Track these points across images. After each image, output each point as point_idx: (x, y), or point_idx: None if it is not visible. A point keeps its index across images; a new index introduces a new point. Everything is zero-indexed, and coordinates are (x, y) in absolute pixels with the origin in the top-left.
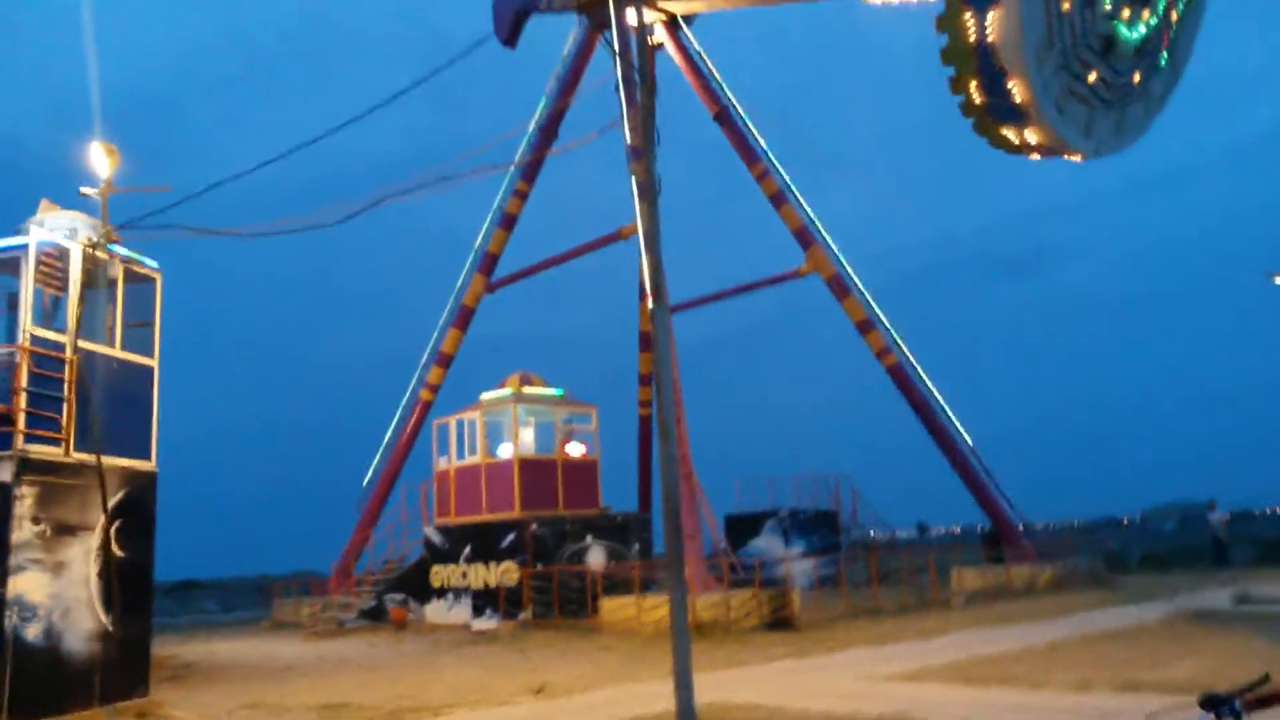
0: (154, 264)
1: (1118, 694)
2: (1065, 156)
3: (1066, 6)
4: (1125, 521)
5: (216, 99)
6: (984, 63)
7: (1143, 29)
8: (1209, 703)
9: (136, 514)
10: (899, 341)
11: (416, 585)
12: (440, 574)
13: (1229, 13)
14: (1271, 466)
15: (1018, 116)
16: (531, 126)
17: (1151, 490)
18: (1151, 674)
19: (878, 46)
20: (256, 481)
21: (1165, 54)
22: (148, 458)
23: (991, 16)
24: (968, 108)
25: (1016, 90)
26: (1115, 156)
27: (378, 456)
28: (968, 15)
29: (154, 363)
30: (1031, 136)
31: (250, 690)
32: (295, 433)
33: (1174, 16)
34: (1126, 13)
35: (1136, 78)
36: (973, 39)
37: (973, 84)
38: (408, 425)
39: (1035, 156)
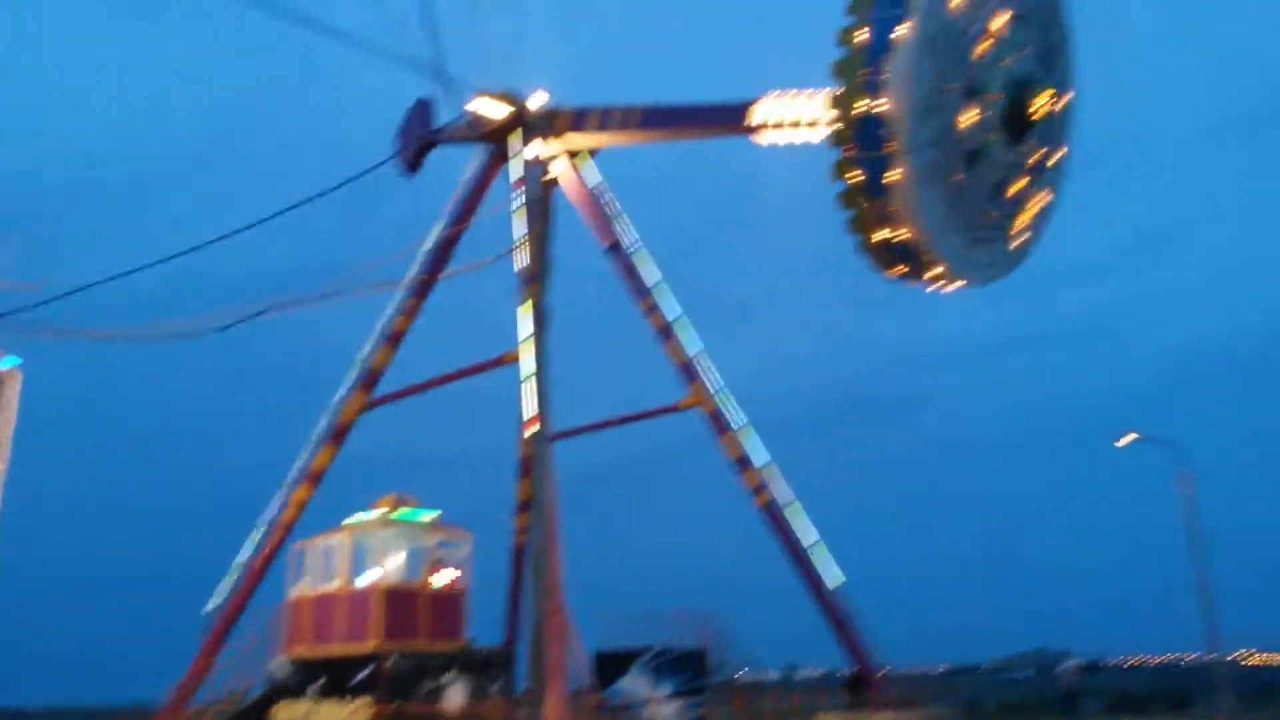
0: (15, 361)
1: None
2: (920, 270)
3: (947, 105)
4: (983, 668)
5: (113, 197)
6: (876, 199)
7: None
8: None
9: None
10: (772, 480)
11: None
12: (285, 710)
13: (1087, 196)
14: (1123, 619)
15: (908, 255)
16: (427, 246)
17: (1011, 638)
18: None
19: (771, 194)
20: (98, 603)
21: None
22: None
23: (886, 165)
24: (865, 245)
25: (907, 228)
26: (987, 317)
27: (229, 578)
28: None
29: (1, 466)
30: (896, 226)
31: None
32: (143, 553)
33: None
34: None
35: (1016, 222)
36: (863, 179)
37: (871, 222)
38: (266, 546)
39: (890, 270)
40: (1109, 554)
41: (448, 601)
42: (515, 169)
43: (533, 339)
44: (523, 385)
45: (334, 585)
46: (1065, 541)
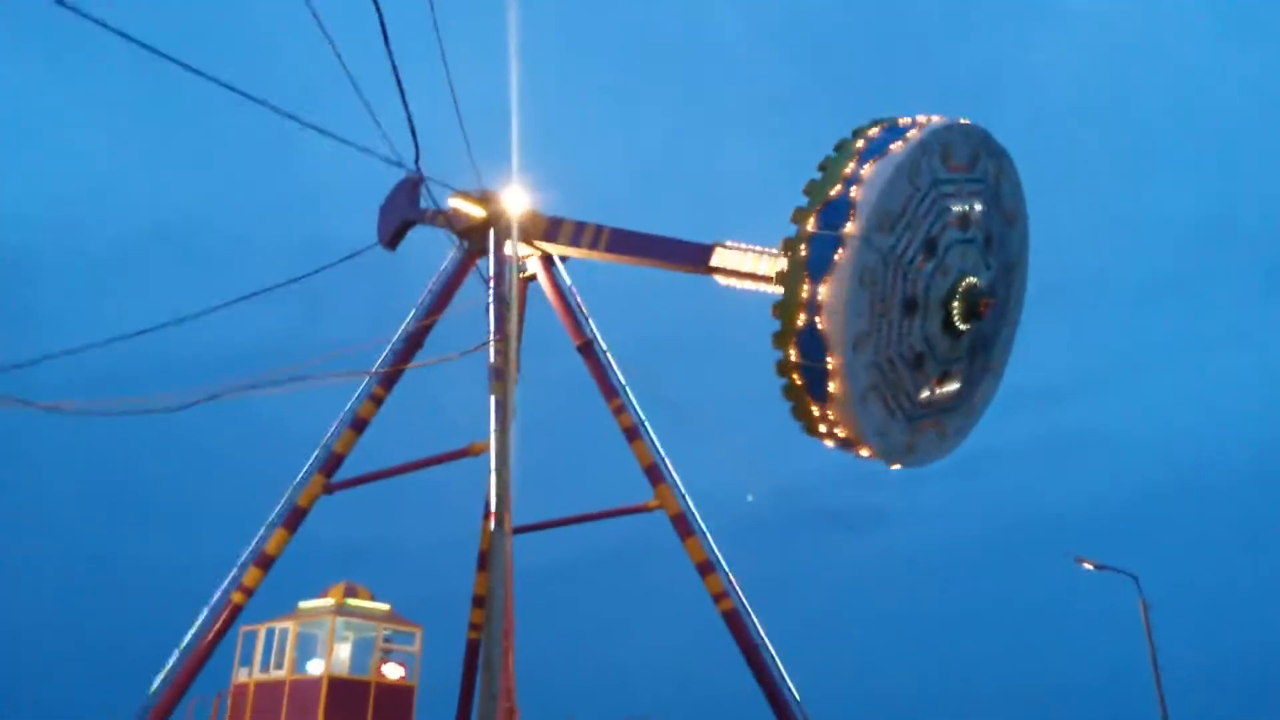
0: None
1: None
2: (858, 452)
3: (889, 314)
4: None
5: (74, 270)
6: (817, 403)
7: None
8: None
9: None
10: (735, 586)
11: None
12: None
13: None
14: None
15: (847, 443)
16: (398, 335)
17: None
18: None
19: (737, 318)
20: (37, 681)
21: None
22: None
23: (820, 310)
24: (788, 390)
25: (845, 430)
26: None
27: (170, 662)
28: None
29: None
30: (835, 424)
31: None
32: (86, 632)
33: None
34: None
35: (936, 399)
36: (803, 384)
37: (794, 372)
38: (211, 630)
39: (830, 445)
40: (1070, 673)
41: (397, 695)
42: (488, 264)
43: (499, 432)
44: (488, 477)
45: (280, 673)
46: (1026, 659)
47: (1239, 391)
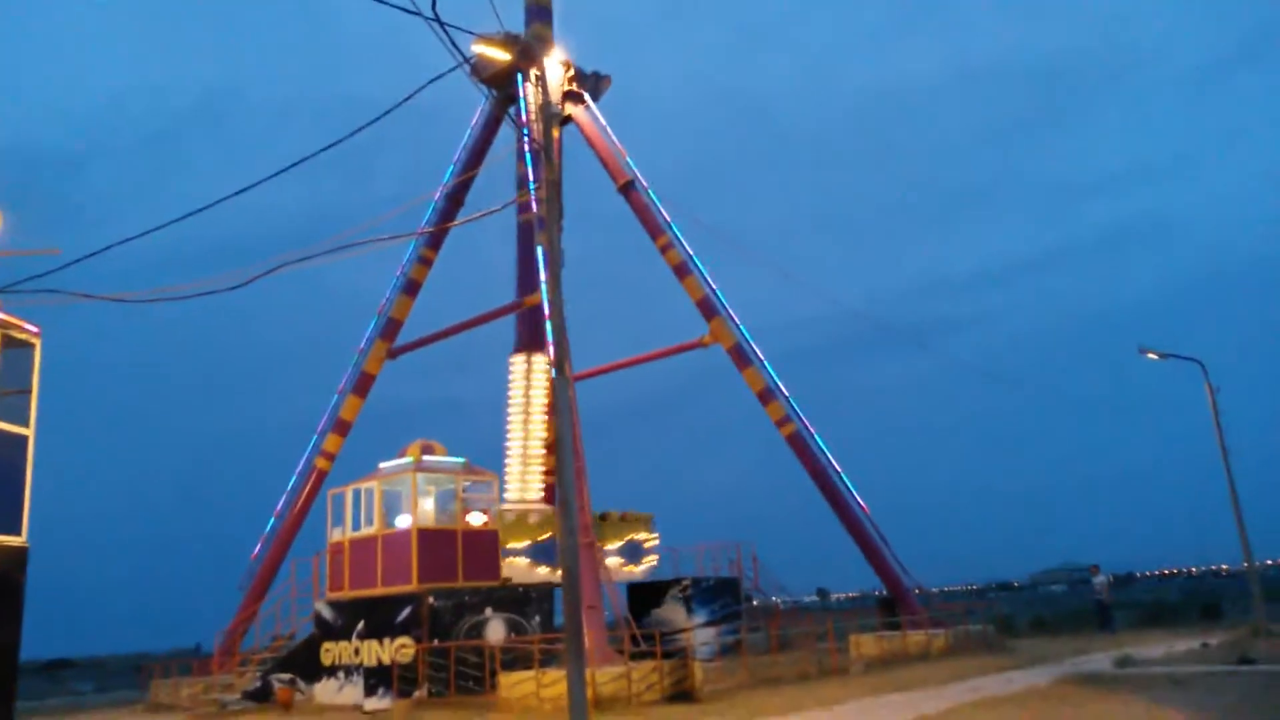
0: (34, 328)
1: None
2: None
3: None
4: (1015, 585)
5: (121, 162)
6: None
7: None
8: None
9: (3, 592)
10: (798, 411)
11: (305, 663)
12: (331, 651)
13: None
14: (1150, 532)
15: None
16: (438, 195)
17: (1040, 555)
18: None
19: (783, 132)
20: (137, 556)
21: None
22: (18, 532)
23: None
24: None
25: None
26: (999, 239)
27: (268, 528)
28: None
29: (29, 432)
30: None
31: None
32: (180, 505)
33: None
34: None
35: None
36: None
37: None
38: (301, 496)
39: None
40: (1137, 469)
41: (482, 541)
42: (523, 111)
43: (549, 282)
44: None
45: (371, 530)
46: (1094, 458)
47: None
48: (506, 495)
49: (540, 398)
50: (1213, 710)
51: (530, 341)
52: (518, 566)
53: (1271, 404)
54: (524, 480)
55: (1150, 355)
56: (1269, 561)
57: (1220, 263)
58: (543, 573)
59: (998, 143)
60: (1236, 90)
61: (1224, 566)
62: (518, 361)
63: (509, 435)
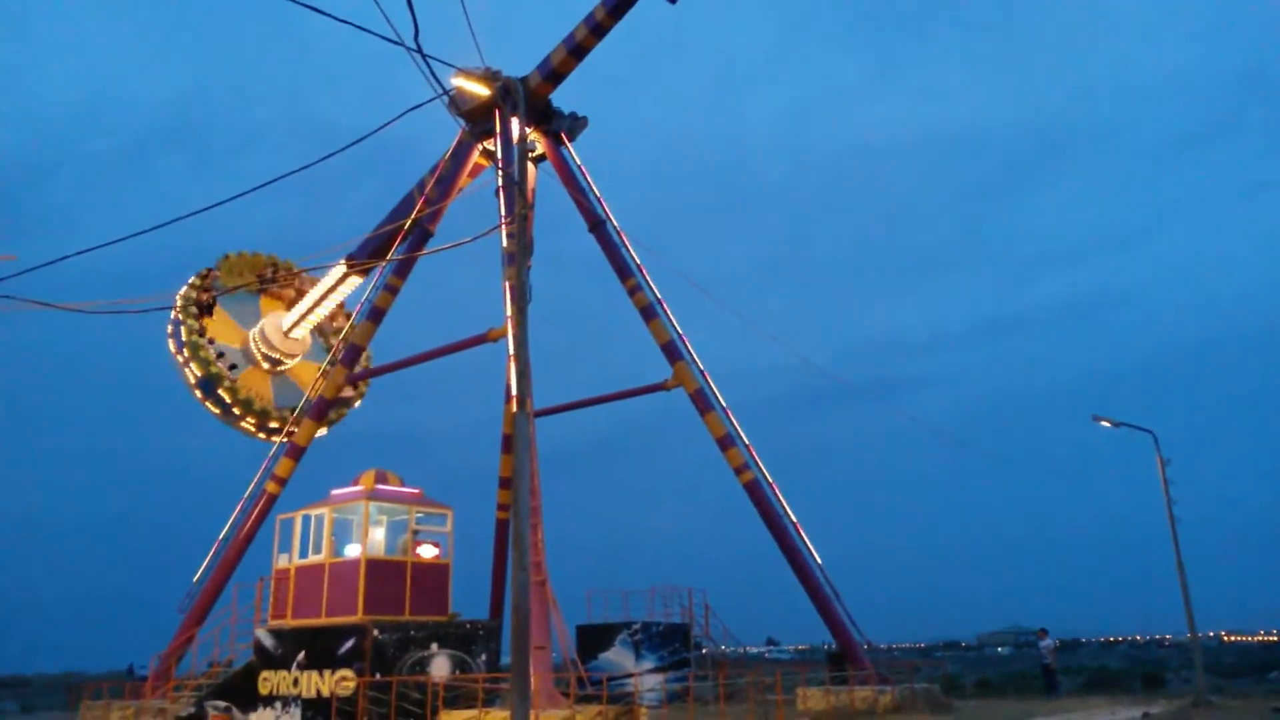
0: None
1: None
2: None
3: None
4: (963, 645)
5: (87, 173)
6: None
7: None
8: None
9: None
10: (756, 459)
11: (242, 692)
12: (270, 680)
13: (1063, 184)
14: (1096, 598)
15: None
16: (409, 223)
17: (987, 615)
18: None
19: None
20: (71, 572)
21: None
22: None
23: None
24: None
25: None
26: (959, 304)
27: (212, 551)
28: None
29: None
30: None
31: None
32: (123, 526)
33: None
34: None
35: None
36: None
37: None
38: (248, 520)
39: None
40: (1087, 535)
41: (431, 575)
42: (498, 148)
43: (515, 317)
44: (507, 362)
45: (318, 557)
46: (1044, 522)
47: (1260, 243)
48: None
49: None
50: None
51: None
52: None
53: (1219, 479)
54: None
55: (1104, 423)
56: (1211, 634)
57: (1173, 338)
58: None
59: (964, 206)
60: (1200, 166)
61: (1167, 636)
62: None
63: None
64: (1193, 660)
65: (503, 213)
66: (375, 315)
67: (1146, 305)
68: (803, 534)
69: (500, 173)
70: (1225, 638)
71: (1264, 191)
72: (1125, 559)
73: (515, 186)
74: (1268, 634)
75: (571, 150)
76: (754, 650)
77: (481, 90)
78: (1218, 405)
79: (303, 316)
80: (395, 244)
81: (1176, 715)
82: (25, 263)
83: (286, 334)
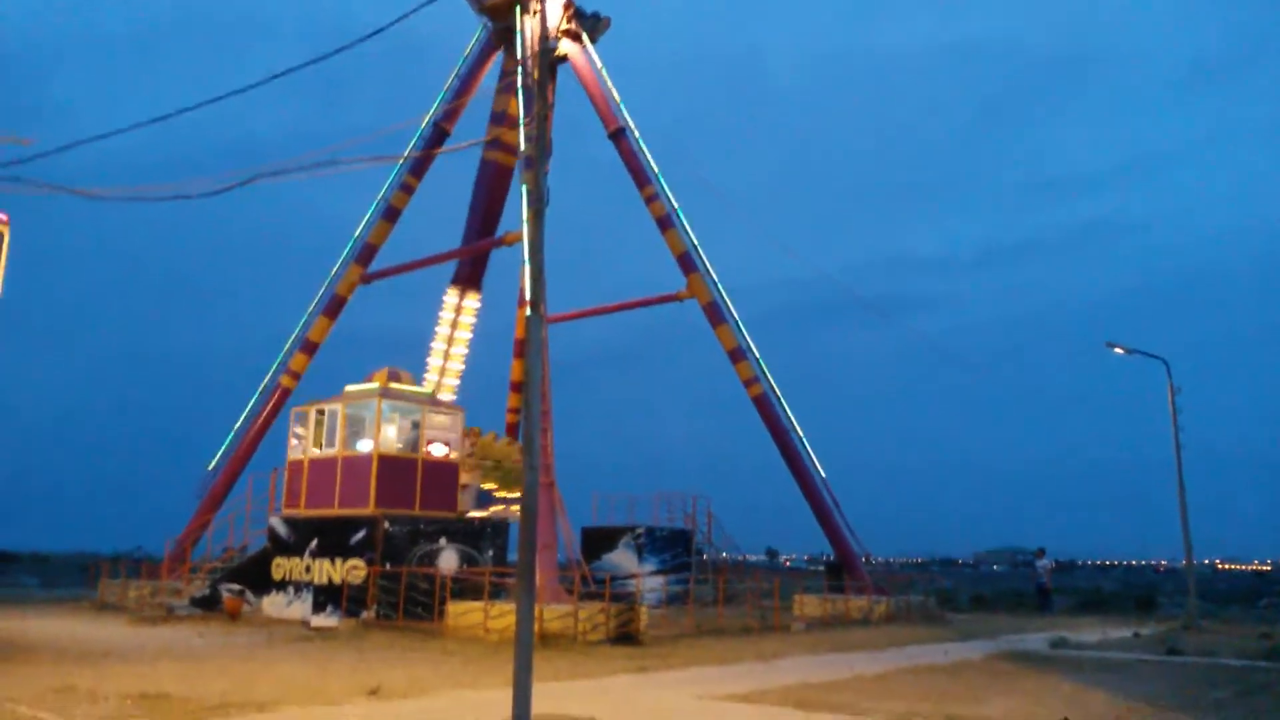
0: (2, 215)
1: None
2: None
3: None
4: (959, 562)
5: (97, 61)
6: None
7: None
8: None
9: None
10: (766, 373)
11: (255, 576)
12: (282, 566)
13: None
14: (1095, 523)
15: None
16: (426, 120)
17: (986, 535)
18: (969, 709)
19: (771, 95)
20: (91, 457)
21: None
22: None
23: None
24: None
25: None
26: (973, 224)
27: (227, 440)
28: None
29: None
30: None
31: (62, 673)
32: (137, 412)
33: None
34: None
35: None
36: None
37: None
38: (263, 411)
39: None
40: (1090, 461)
41: (443, 472)
42: (518, 46)
43: (532, 220)
44: (522, 266)
45: (332, 450)
46: (1048, 446)
47: (1274, 180)
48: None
49: (464, 335)
50: (1137, 695)
51: (468, 277)
52: None
53: (1227, 410)
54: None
55: (1117, 350)
56: (1206, 561)
57: (1192, 266)
58: None
59: (984, 123)
60: (1227, 94)
61: (1162, 562)
62: (453, 293)
63: (428, 364)
64: (1186, 586)
65: (521, 114)
66: (390, 214)
67: (1164, 232)
68: (808, 447)
69: (519, 72)
70: (1219, 565)
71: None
72: (1127, 486)
73: (535, 86)
74: (1261, 563)
75: (592, 51)
76: (754, 558)
77: None
78: (1232, 336)
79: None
80: (411, 143)
81: (1166, 636)
82: (39, 149)
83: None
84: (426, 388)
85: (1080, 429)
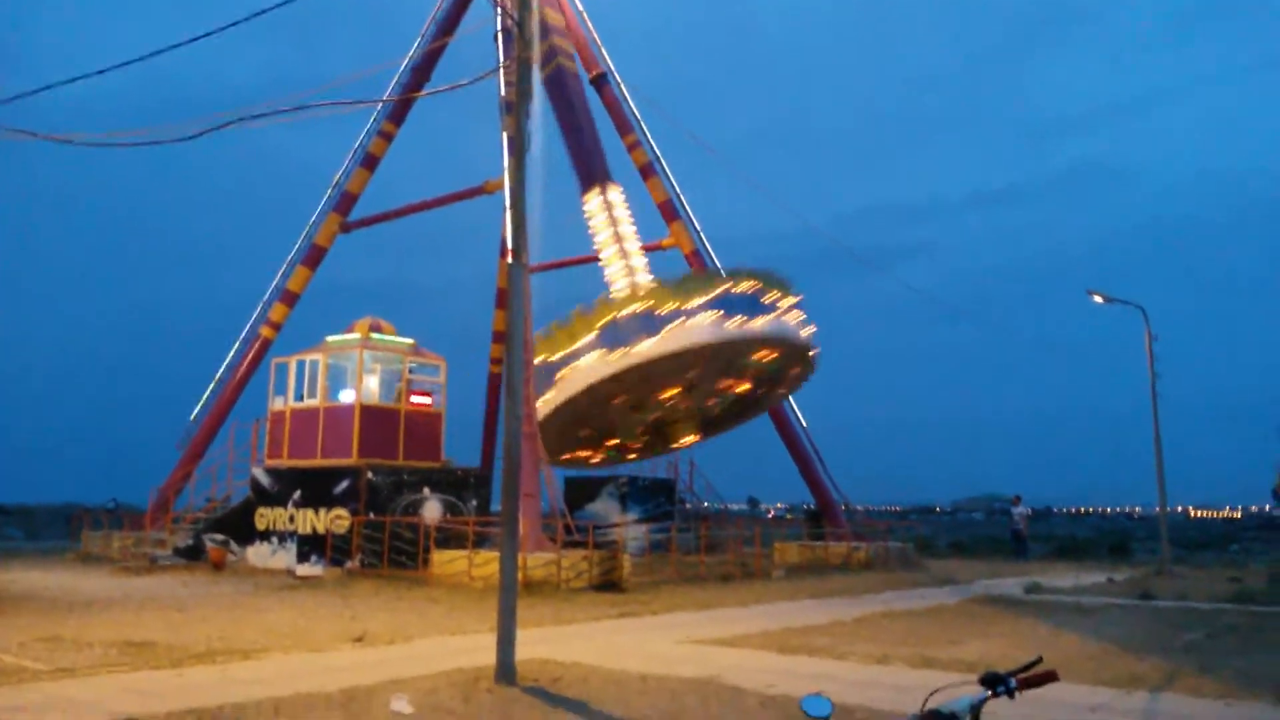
0: None
1: (912, 669)
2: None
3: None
4: (937, 510)
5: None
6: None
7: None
8: (988, 681)
9: None
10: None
11: (239, 526)
12: (266, 516)
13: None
14: (1071, 471)
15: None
16: (404, 64)
17: (963, 483)
18: (945, 652)
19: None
20: (73, 408)
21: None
22: None
23: None
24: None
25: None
26: (962, 170)
27: (208, 391)
28: None
29: None
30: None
31: (48, 623)
32: (119, 364)
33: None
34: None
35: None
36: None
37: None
38: (244, 362)
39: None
40: (1069, 408)
41: (425, 422)
42: None
43: (513, 167)
44: (504, 214)
45: (314, 402)
46: (1027, 394)
47: (1267, 122)
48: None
49: (629, 229)
50: (1109, 638)
51: (589, 175)
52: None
53: (1205, 357)
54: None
55: (1096, 297)
56: (1180, 508)
57: (1167, 211)
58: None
59: (971, 69)
60: (1217, 36)
61: (1136, 509)
62: (591, 198)
63: (609, 279)
64: (1159, 532)
65: (501, 57)
66: (369, 162)
67: (1148, 177)
68: (792, 402)
69: (499, 13)
70: (1192, 512)
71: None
72: (1104, 433)
73: (515, 28)
74: (1233, 509)
75: None
76: (736, 507)
77: None
78: (1213, 284)
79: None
80: (389, 87)
81: (1139, 581)
82: (16, 89)
83: None
84: (622, 295)
85: (1064, 377)
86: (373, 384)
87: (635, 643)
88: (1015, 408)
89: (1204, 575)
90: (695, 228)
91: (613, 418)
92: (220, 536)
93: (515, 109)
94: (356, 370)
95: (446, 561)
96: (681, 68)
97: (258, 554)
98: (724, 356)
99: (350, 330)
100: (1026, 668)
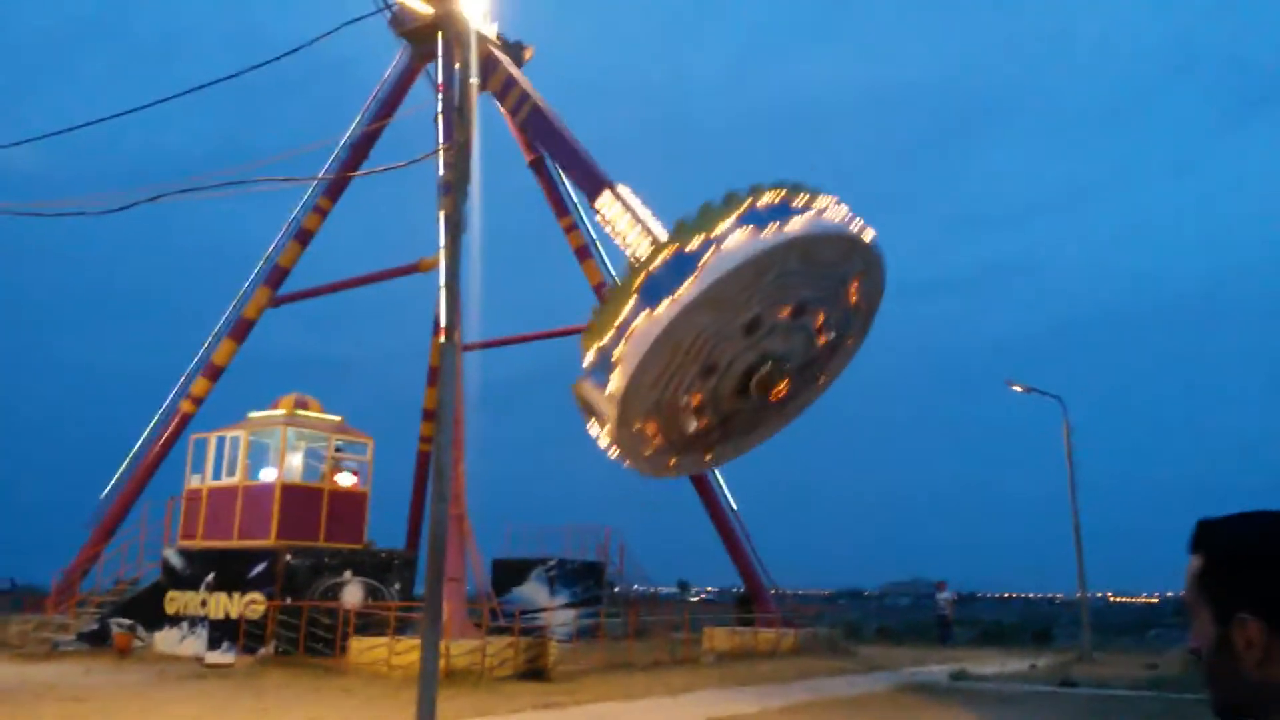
0: None
1: None
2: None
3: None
4: (865, 594)
5: (4, 61)
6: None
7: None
8: None
9: None
10: None
11: (148, 610)
12: (177, 600)
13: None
14: (995, 556)
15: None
16: (342, 143)
17: (890, 567)
18: None
19: (693, 130)
20: None
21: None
22: None
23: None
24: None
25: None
26: (890, 260)
27: (122, 467)
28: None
29: None
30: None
31: None
32: (18, 430)
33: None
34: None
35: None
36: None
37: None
38: (161, 438)
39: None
40: (990, 495)
41: (349, 502)
42: (438, 72)
43: (449, 247)
44: (438, 292)
45: (233, 480)
46: (951, 483)
47: (1178, 223)
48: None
49: (647, 210)
50: None
51: (596, 182)
52: None
53: (1121, 446)
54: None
55: (1015, 388)
56: (1100, 594)
57: (1084, 308)
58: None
59: (899, 163)
60: (1123, 137)
61: (1059, 595)
62: (604, 200)
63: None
64: (1080, 618)
65: (440, 140)
66: (302, 236)
67: (1068, 272)
68: (719, 479)
69: (440, 97)
70: (1111, 598)
71: (1186, 172)
72: (1026, 521)
73: (455, 112)
74: (1150, 596)
75: (519, 77)
76: (666, 591)
77: (424, 8)
78: (1127, 374)
79: None
80: (326, 165)
81: (1061, 667)
82: None
83: None
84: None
85: (985, 466)
86: (296, 462)
87: None
88: (944, 492)
89: (1123, 661)
90: None
91: (692, 381)
92: (127, 621)
93: (453, 190)
94: (280, 448)
95: (365, 649)
96: (621, 150)
97: (166, 639)
98: (772, 274)
99: (275, 406)
100: None
